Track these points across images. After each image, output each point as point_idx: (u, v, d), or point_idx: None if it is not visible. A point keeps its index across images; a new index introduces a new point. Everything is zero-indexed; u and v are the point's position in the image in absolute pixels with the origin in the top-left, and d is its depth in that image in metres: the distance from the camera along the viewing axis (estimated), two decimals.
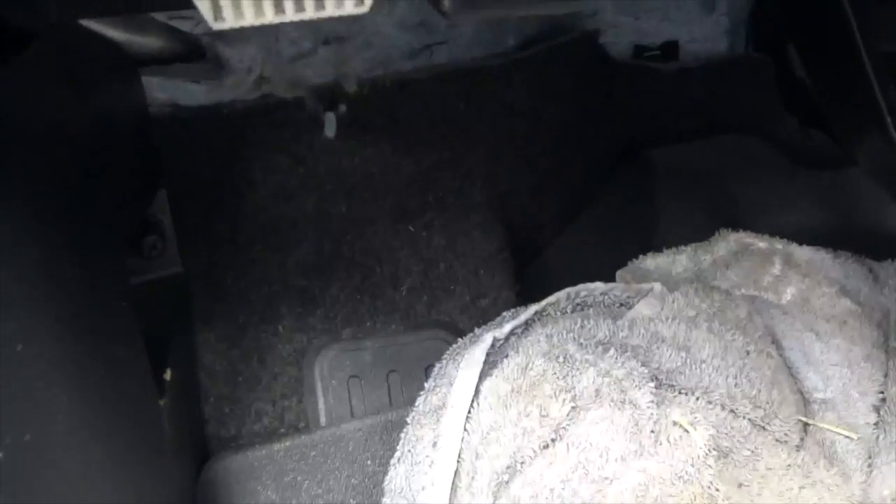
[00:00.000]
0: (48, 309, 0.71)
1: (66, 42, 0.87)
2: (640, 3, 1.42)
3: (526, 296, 1.27)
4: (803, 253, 1.28)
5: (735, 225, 1.33)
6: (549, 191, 1.39)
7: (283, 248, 1.22)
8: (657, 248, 1.33)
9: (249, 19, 0.56)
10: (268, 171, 1.21)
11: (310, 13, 0.56)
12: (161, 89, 1.16)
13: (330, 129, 1.20)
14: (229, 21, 0.55)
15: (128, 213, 1.03)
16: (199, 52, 1.10)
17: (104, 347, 0.83)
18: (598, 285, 1.19)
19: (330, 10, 0.56)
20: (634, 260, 1.32)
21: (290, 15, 0.56)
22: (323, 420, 1.20)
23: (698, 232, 1.34)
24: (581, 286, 1.18)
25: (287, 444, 1.11)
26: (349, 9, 0.56)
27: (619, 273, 1.30)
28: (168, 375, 1.03)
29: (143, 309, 0.95)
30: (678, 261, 1.32)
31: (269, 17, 0.56)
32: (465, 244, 1.29)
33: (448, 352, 1.14)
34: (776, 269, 1.27)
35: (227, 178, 1.20)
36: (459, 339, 1.15)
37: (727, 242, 1.32)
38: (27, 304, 0.68)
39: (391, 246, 1.26)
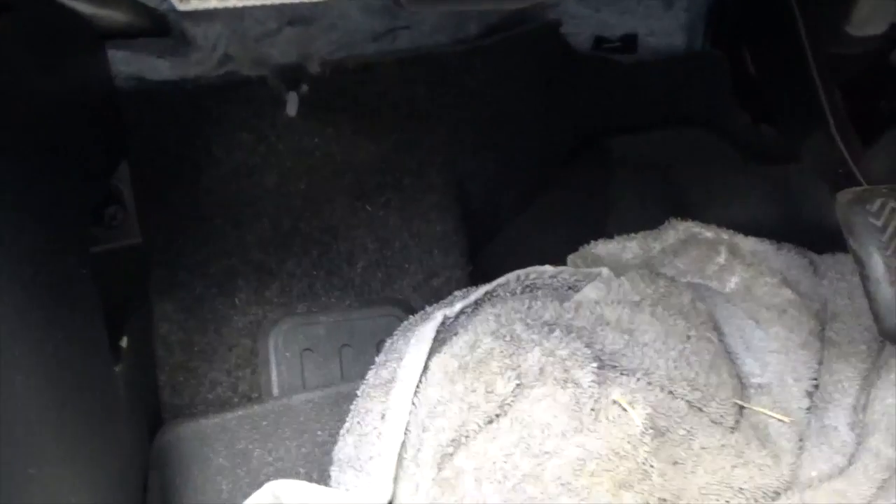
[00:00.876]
0: (7, 272, 0.73)
1: (36, 14, 0.89)
2: None
3: (479, 276, 1.30)
4: (748, 244, 1.33)
5: (685, 214, 1.37)
6: (505, 175, 1.42)
7: (242, 223, 1.25)
8: (609, 235, 1.37)
9: (214, 2, 0.58)
10: (230, 147, 1.23)
11: None
12: (126, 63, 1.17)
13: (292, 109, 1.23)
14: (194, 3, 0.58)
15: (90, 183, 1.05)
16: (164, 27, 1.12)
17: (62, 313, 0.85)
18: (548, 268, 1.23)
19: None
20: (586, 245, 1.36)
21: None
22: (276, 391, 1.23)
23: (650, 220, 1.38)
24: (531, 269, 1.22)
25: (239, 413, 1.14)
26: None
27: (570, 257, 1.34)
28: (124, 343, 1.06)
29: (101, 277, 0.97)
30: (628, 247, 1.36)
31: (234, 0, 0.59)
32: (421, 224, 1.32)
33: (399, 328, 1.18)
34: (721, 258, 1.31)
35: (190, 152, 1.23)
36: (411, 317, 1.19)
37: (676, 231, 1.36)
38: None
39: (349, 224, 1.29)
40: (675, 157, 1.54)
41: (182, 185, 1.23)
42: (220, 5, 0.59)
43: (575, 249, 1.36)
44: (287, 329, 1.24)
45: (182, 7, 0.58)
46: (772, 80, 1.30)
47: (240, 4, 0.59)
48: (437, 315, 1.12)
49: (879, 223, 0.99)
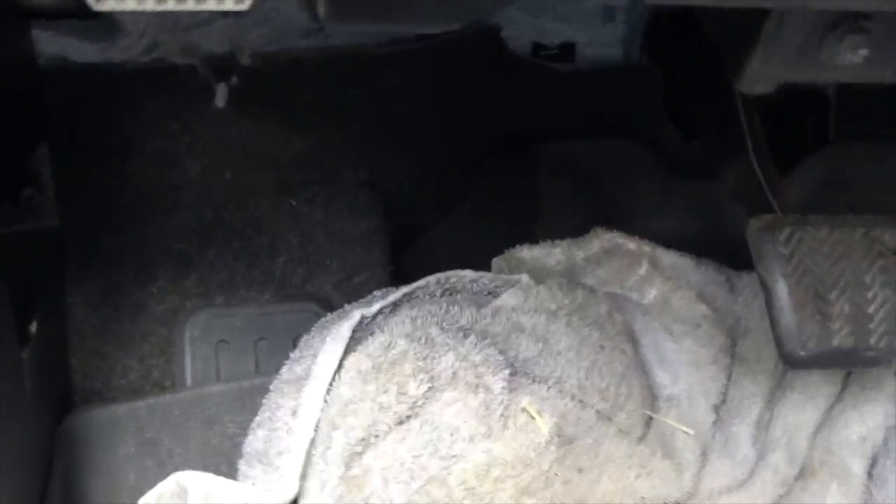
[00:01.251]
0: None
1: None
2: (540, 2, 1.47)
3: (401, 277, 1.31)
4: (669, 257, 1.35)
5: (610, 224, 1.39)
6: (432, 176, 1.43)
7: (163, 211, 1.24)
8: (535, 240, 1.39)
9: (130, 5, 0.58)
10: (154, 135, 1.23)
11: (190, 5, 0.59)
12: (51, 44, 1.15)
13: (220, 99, 1.22)
14: (110, 4, 0.57)
15: (4, 161, 1.04)
16: (91, 12, 1.10)
17: None
18: (468, 273, 1.24)
19: (210, 5, 0.59)
20: (512, 249, 1.38)
21: (172, 5, 0.58)
22: (189, 381, 1.23)
23: (577, 227, 1.40)
24: (451, 272, 1.23)
25: (150, 401, 1.14)
26: (228, 6, 0.59)
27: (494, 261, 1.36)
28: (33, 328, 1.04)
29: (11, 258, 0.96)
30: (552, 254, 1.38)
31: (150, 4, 0.58)
32: (345, 222, 1.32)
33: (316, 325, 1.18)
34: (642, 270, 1.34)
35: (113, 137, 1.21)
36: (329, 314, 1.19)
37: (600, 240, 1.38)
38: None
39: (272, 218, 1.29)
40: (603, 167, 1.56)
41: (103, 170, 1.22)
42: (136, 8, 0.58)
43: (500, 252, 1.37)
44: (203, 320, 1.24)
45: (97, 7, 0.58)
46: (698, 99, 1.33)
47: (157, 9, 0.59)
48: (355, 314, 1.13)
49: (786, 252, 1.02)
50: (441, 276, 1.22)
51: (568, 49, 1.56)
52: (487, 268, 1.30)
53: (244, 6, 0.59)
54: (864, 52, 0.58)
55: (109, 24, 1.13)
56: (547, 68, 1.53)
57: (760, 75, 0.63)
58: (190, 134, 1.25)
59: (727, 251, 1.40)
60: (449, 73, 1.39)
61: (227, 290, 1.27)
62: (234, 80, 1.23)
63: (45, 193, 1.11)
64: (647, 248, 1.36)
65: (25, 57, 1.11)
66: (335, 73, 1.29)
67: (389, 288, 1.22)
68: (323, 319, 1.18)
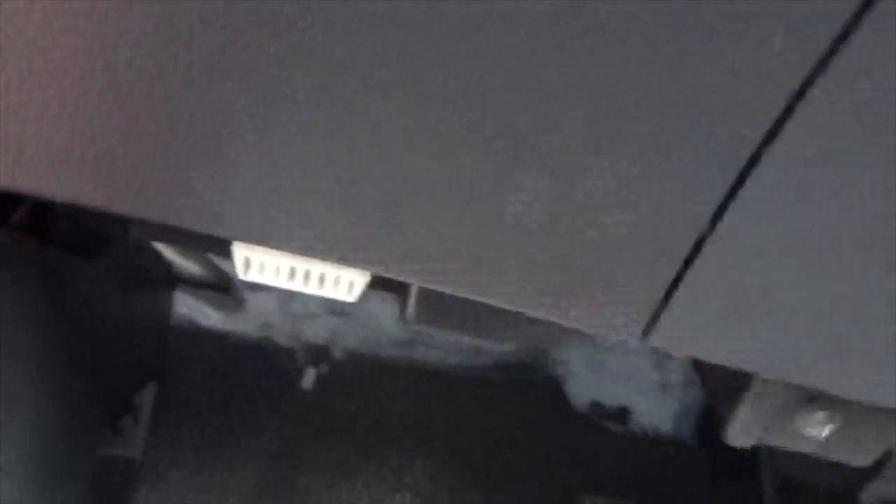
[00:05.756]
0: (19, 444, 0.88)
1: (129, 253, 1.11)
2: (602, 363, 1.62)
3: None
4: None
5: None
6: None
7: (230, 466, 1.37)
8: None
9: (269, 280, 0.76)
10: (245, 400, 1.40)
11: (312, 289, 0.77)
12: (185, 305, 1.38)
13: (307, 382, 1.40)
14: (253, 276, 0.77)
15: (118, 393, 1.21)
16: (226, 285, 1.33)
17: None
18: None
19: (327, 292, 0.77)
20: None
21: (299, 286, 0.77)
22: None
23: None
24: None
25: None
26: (341, 294, 0.77)
27: None
28: None
29: (94, 477, 1.10)
30: None
31: (283, 282, 0.77)
32: None
33: None
34: None
35: (211, 397, 1.39)
36: None
37: None
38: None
39: (321, 498, 1.40)
40: None
41: (193, 421, 1.38)
42: (273, 283, 0.76)
43: None
44: None
45: (243, 276, 0.76)
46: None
47: (287, 287, 0.77)
48: None
49: None
50: None
51: (622, 413, 1.68)
52: None
53: (351, 298, 0.77)
54: (829, 427, 0.70)
55: (237, 299, 1.35)
56: (601, 427, 1.65)
57: (743, 431, 0.75)
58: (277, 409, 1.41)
59: None
60: (512, 410, 1.53)
61: None
62: (324, 367, 1.41)
63: (138, 426, 1.27)
64: None
65: (164, 314, 1.32)
66: (413, 386, 1.46)
67: None
68: None
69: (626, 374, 1.66)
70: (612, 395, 1.68)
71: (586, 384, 1.66)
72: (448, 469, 1.51)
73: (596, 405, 1.68)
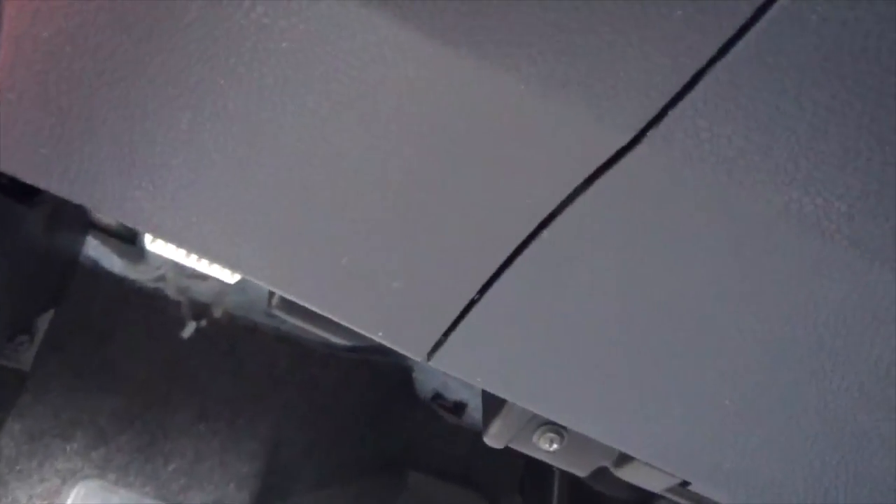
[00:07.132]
0: None
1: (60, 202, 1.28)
2: None
3: None
4: None
5: None
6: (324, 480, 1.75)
7: (104, 391, 1.56)
8: None
9: (170, 251, 0.94)
10: (128, 335, 1.58)
11: (202, 265, 0.94)
12: (93, 248, 1.56)
13: (187, 332, 1.60)
14: (158, 243, 0.95)
15: (23, 312, 1.39)
16: (133, 238, 1.52)
17: None
18: None
19: (214, 270, 0.94)
20: None
21: (192, 261, 0.95)
22: None
23: None
24: None
25: None
26: (225, 275, 0.94)
27: None
28: None
29: None
30: None
31: (181, 256, 0.96)
32: (235, 460, 1.62)
33: None
34: None
35: (99, 324, 1.57)
36: None
37: None
38: None
39: (182, 432, 1.59)
40: None
41: (77, 345, 1.56)
42: (170, 256, 0.95)
43: None
44: (90, 488, 1.50)
45: (149, 246, 0.95)
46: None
47: (179, 260, 0.97)
48: None
49: None
50: None
51: (460, 407, 1.91)
52: None
53: (232, 281, 0.96)
54: (556, 446, 0.93)
55: (140, 251, 1.54)
56: (438, 415, 1.87)
57: (497, 436, 0.96)
58: (155, 350, 1.60)
59: None
60: (358, 386, 1.75)
61: (121, 472, 1.54)
62: (203, 323, 1.62)
63: (32, 344, 1.45)
64: None
65: (72, 252, 1.50)
66: (278, 348, 1.66)
67: None
68: None
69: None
70: (453, 391, 1.89)
71: (432, 376, 1.86)
72: (293, 427, 1.71)
73: (438, 396, 1.88)
